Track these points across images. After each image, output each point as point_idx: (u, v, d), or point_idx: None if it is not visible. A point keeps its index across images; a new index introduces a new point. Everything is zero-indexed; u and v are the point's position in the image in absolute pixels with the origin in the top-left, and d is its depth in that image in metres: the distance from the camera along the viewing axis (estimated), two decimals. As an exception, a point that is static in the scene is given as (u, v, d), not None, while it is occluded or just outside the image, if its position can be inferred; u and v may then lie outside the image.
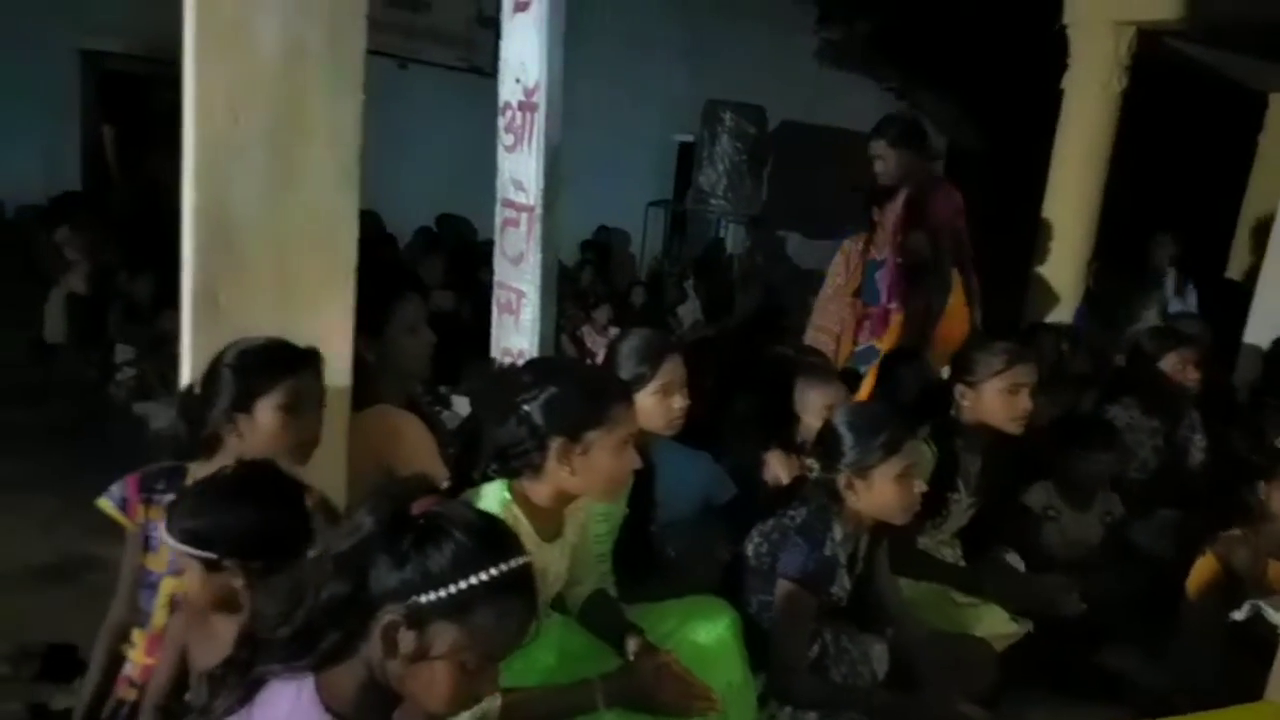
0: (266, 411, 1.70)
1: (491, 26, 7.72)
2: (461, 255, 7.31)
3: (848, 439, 2.10)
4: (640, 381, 2.25)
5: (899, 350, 3.51)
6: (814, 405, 2.71)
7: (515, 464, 1.90)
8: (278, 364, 1.71)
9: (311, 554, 1.28)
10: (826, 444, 2.14)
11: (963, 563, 2.80)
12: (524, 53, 3.28)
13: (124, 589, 1.75)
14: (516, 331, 3.49)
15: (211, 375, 1.72)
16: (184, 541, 1.49)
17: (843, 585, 2.10)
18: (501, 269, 3.55)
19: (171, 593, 1.71)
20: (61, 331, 6.04)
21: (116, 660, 1.76)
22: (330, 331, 1.88)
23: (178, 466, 1.76)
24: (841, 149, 5.63)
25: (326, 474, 1.89)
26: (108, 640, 1.75)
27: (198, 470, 1.74)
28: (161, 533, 1.60)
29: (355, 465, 2.07)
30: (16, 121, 6.07)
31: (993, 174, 6.62)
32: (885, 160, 3.74)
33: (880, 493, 2.08)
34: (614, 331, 6.37)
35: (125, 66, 6.44)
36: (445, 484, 1.89)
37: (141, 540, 1.72)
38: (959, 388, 2.71)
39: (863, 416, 2.14)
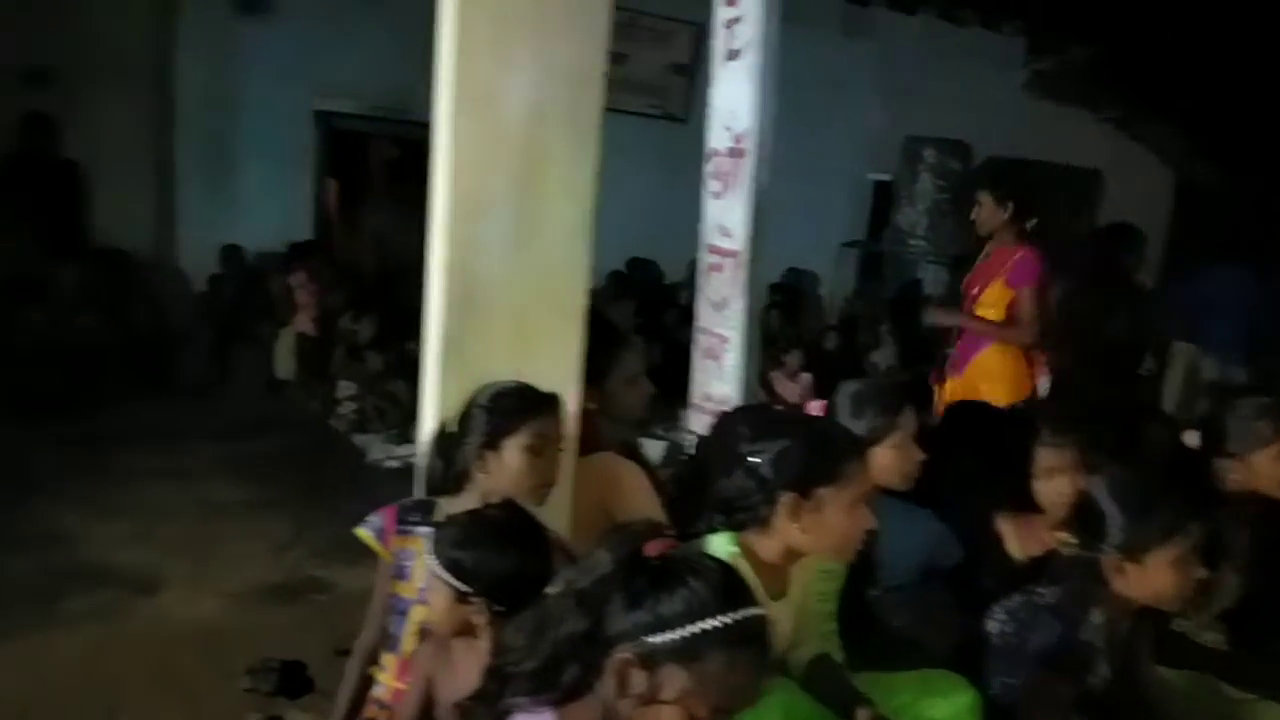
0: (513, 451, 1.76)
1: (685, 74, 7.91)
2: (651, 299, 7.43)
3: (1116, 517, 1.89)
4: (881, 433, 2.17)
5: (1146, 407, 3.22)
6: (1048, 465, 2.50)
7: (741, 517, 1.85)
8: (525, 406, 1.78)
9: (553, 590, 1.30)
10: (1087, 519, 1.94)
11: (1227, 649, 2.48)
12: (735, 100, 3.30)
13: (375, 614, 1.83)
14: (719, 377, 3.47)
15: (465, 415, 1.80)
16: (446, 568, 1.55)
17: (1100, 674, 1.89)
18: (704, 314, 3.55)
19: (420, 620, 1.77)
20: (291, 368, 6.61)
21: (366, 682, 1.84)
22: (560, 379, 1.92)
23: (430, 501, 1.83)
24: (1054, 185, 5.37)
25: (552, 516, 1.91)
26: (358, 663, 1.83)
27: (448, 505, 1.81)
28: (424, 559, 1.67)
29: (578, 510, 2.10)
30: (259, 176, 6.74)
31: (1231, 212, 6.04)
32: (980, 208, 3.73)
33: (1154, 578, 1.85)
34: (805, 378, 6.23)
35: (351, 125, 7.03)
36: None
37: (395, 569, 1.80)
38: (1220, 461, 2.44)
39: (1133, 491, 1.91)
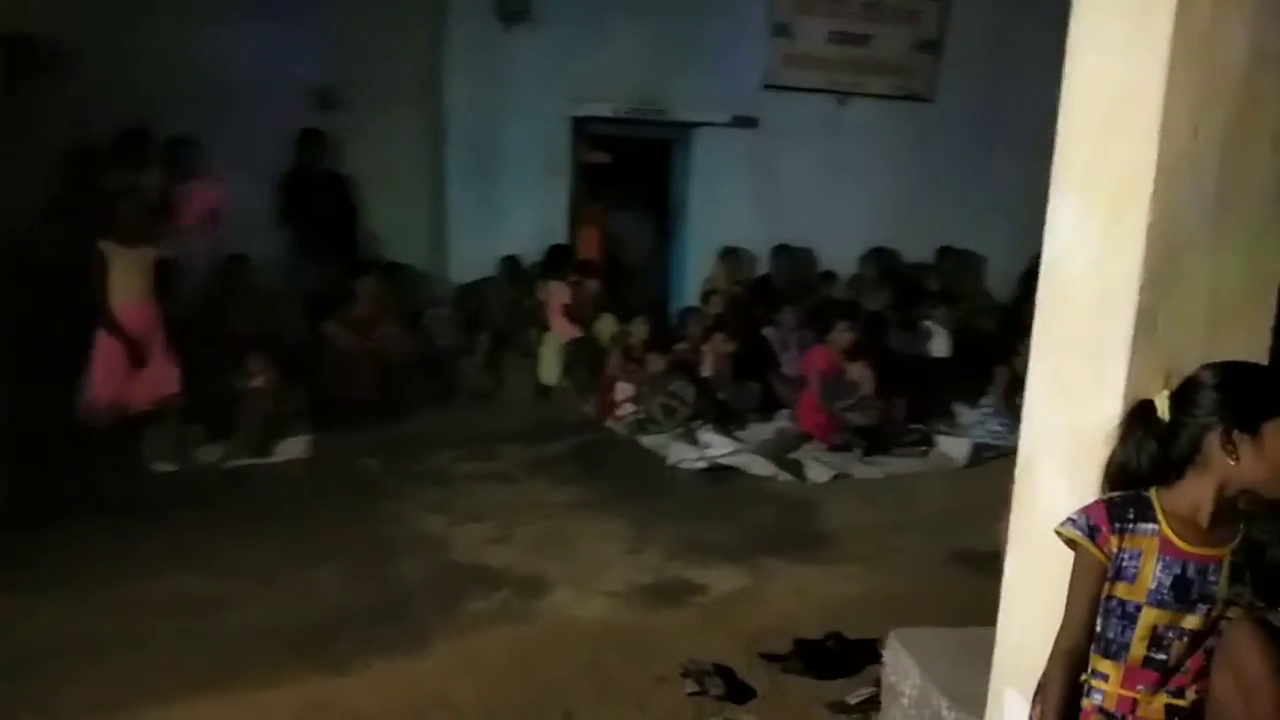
0: (1277, 437, 1.56)
1: (930, 51, 7.61)
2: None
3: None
4: None
5: None
6: None
7: None
8: None
9: None
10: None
11: None
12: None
13: (1078, 615, 1.68)
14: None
15: (1186, 395, 1.60)
16: None
17: None
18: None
19: (1154, 624, 1.62)
20: (556, 374, 6.63)
21: (1075, 688, 1.69)
22: (1249, 350, 1.74)
23: (1139, 495, 1.67)
24: None
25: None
26: (1065, 670, 1.68)
27: (1164, 496, 1.64)
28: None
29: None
30: (518, 183, 6.82)
31: None
32: None
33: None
34: None
35: (606, 130, 7.05)
36: None
37: (1113, 569, 1.64)
38: None
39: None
